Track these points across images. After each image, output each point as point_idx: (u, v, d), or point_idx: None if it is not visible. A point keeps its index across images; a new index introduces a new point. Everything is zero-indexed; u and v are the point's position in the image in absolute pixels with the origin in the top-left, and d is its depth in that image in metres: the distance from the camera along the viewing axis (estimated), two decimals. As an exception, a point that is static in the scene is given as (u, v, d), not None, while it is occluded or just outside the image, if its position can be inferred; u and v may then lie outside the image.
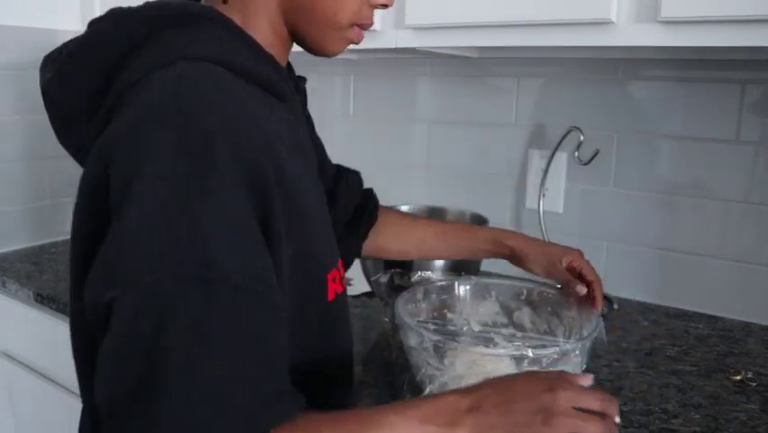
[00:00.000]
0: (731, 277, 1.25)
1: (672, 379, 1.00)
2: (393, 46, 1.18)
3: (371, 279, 1.12)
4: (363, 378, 0.98)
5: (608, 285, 1.37)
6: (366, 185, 1.02)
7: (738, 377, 1.00)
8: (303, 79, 0.77)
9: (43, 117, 0.67)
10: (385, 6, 0.71)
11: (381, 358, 1.05)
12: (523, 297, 0.98)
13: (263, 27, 0.66)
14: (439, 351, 0.79)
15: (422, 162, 1.61)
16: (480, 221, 1.29)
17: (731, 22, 0.86)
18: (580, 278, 0.92)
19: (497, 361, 0.78)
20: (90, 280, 0.53)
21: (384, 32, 1.18)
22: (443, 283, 1.00)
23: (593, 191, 1.39)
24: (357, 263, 1.28)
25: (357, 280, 1.36)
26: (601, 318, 0.86)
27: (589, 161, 1.28)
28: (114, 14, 0.61)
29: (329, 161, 0.95)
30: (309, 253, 0.63)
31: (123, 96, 0.57)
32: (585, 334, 0.85)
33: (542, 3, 0.98)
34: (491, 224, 1.28)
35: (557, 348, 0.79)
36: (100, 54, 0.60)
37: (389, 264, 1.20)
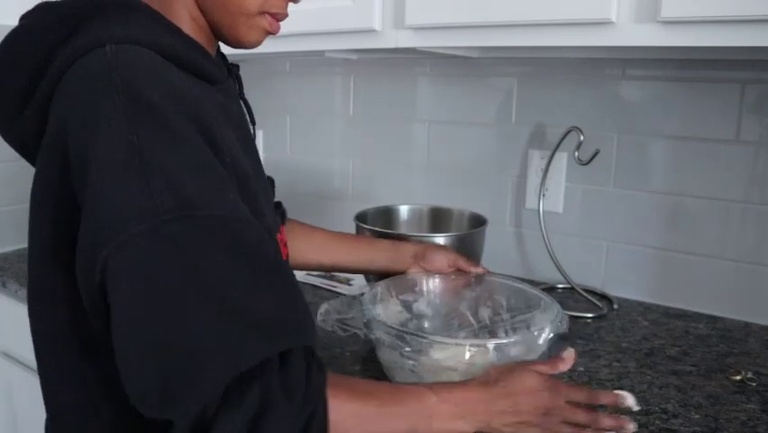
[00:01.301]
0: (731, 277, 1.25)
1: (671, 379, 1.00)
2: (393, 46, 1.17)
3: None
4: (362, 378, 0.98)
5: (607, 285, 1.38)
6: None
7: (738, 377, 1.00)
8: (236, 67, 0.79)
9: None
10: (294, 0, 0.72)
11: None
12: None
13: (183, 18, 0.69)
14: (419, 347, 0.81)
15: (422, 162, 1.61)
16: (479, 221, 1.29)
17: (731, 22, 0.86)
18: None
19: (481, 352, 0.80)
20: (78, 255, 0.54)
21: (384, 32, 1.18)
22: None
23: (593, 191, 1.39)
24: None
25: (357, 280, 1.36)
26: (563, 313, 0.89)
27: (589, 161, 1.28)
28: (41, 8, 0.64)
29: None
30: (259, 211, 0.65)
31: (59, 83, 0.59)
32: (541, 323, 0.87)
33: (542, 3, 0.98)
34: (491, 224, 1.28)
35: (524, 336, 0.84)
36: (29, 48, 0.62)
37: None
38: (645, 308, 1.31)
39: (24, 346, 1.58)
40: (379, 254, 1.04)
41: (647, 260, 1.34)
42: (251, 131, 0.80)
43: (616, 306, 1.31)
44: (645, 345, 1.13)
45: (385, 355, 0.88)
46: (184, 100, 0.57)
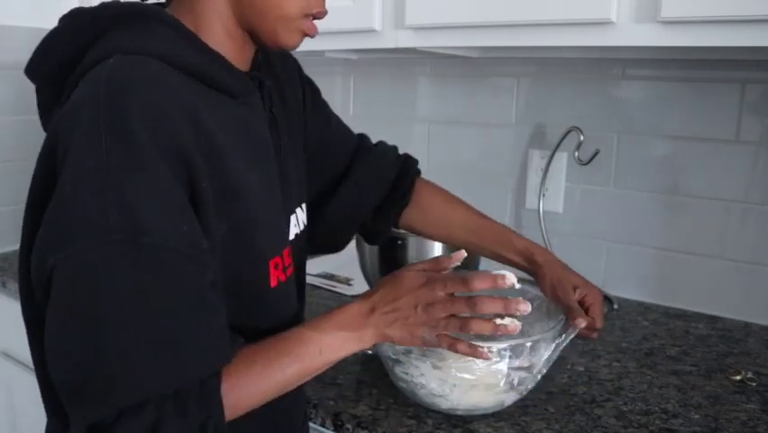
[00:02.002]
0: (731, 277, 1.25)
1: (671, 379, 1.00)
2: (393, 46, 1.17)
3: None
4: (362, 377, 0.98)
5: (608, 285, 1.38)
6: (411, 175, 1.02)
7: (738, 377, 1.00)
8: (269, 80, 0.77)
9: (43, 117, 0.67)
10: None
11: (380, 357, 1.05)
12: None
13: (215, 29, 0.68)
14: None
15: (422, 162, 1.60)
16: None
17: (731, 22, 0.86)
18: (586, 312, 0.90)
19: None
20: (35, 248, 0.58)
21: (384, 32, 1.18)
22: None
23: (593, 191, 1.39)
24: (356, 264, 1.28)
25: (357, 281, 1.37)
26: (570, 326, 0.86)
27: (589, 161, 1.28)
28: (73, 14, 0.66)
29: (343, 144, 0.98)
30: (248, 235, 0.67)
31: (74, 88, 0.62)
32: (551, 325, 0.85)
33: (542, 3, 0.98)
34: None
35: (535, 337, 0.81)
36: (62, 48, 0.65)
37: (387, 269, 1.21)
38: (645, 308, 1.31)
39: (24, 346, 1.58)
40: (514, 253, 0.97)
41: (647, 260, 1.34)
42: (280, 145, 0.78)
43: (616, 306, 1.31)
44: (645, 345, 1.13)
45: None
46: (164, 121, 0.58)
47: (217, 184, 0.62)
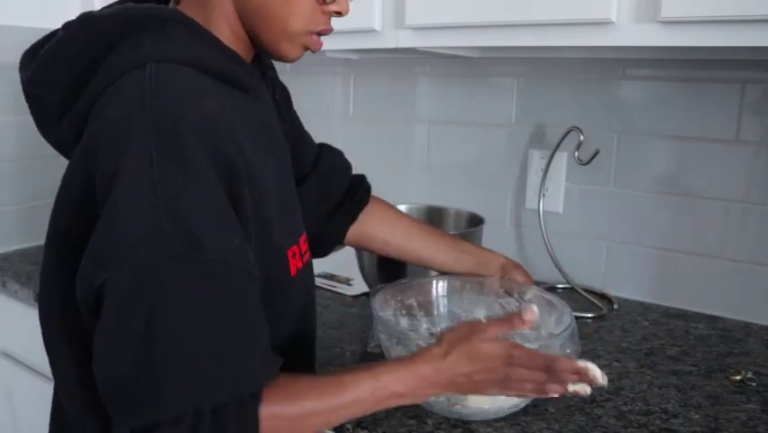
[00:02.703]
0: (731, 277, 1.25)
1: (671, 379, 1.00)
2: (393, 46, 1.17)
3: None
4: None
5: (607, 285, 1.38)
6: (366, 185, 1.02)
7: (738, 377, 1.00)
8: (272, 70, 0.79)
9: (42, 116, 0.67)
10: (339, 14, 0.72)
11: (380, 357, 1.04)
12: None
13: (222, 29, 0.69)
14: None
15: (422, 162, 1.61)
16: (476, 221, 1.29)
17: (731, 22, 0.86)
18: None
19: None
20: (82, 266, 0.58)
21: (384, 32, 1.18)
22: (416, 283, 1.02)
23: (593, 191, 1.39)
24: (356, 264, 1.28)
25: (357, 281, 1.37)
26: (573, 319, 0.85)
27: (589, 161, 1.28)
28: (85, 19, 0.65)
29: (308, 144, 0.99)
30: (268, 230, 0.67)
31: (100, 97, 0.61)
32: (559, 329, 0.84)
33: (542, 3, 0.98)
34: (490, 223, 1.28)
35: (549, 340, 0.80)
36: (73, 56, 0.64)
37: (385, 269, 1.21)
38: (645, 308, 1.31)
39: (25, 346, 1.59)
40: (465, 257, 1.01)
41: (647, 260, 1.34)
42: (284, 132, 0.80)
43: (616, 306, 1.31)
44: (645, 345, 1.13)
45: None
46: (211, 132, 0.59)
47: (249, 185, 0.63)
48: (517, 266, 1.03)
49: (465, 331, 0.70)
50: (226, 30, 0.69)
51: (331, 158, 1.00)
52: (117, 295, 0.55)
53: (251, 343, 0.59)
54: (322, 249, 1.01)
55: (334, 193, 0.99)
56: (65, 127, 0.66)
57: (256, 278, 0.61)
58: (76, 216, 0.61)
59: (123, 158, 0.56)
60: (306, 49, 0.72)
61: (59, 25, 0.67)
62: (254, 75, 0.71)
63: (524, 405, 0.85)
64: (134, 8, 0.64)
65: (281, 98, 0.90)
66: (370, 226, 1.02)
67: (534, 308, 0.72)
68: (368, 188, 1.03)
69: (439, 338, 0.71)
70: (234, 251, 0.58)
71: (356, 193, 1.00)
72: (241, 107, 0.68)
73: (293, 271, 0.72)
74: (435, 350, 0.69)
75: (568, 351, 0.79)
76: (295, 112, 0.97)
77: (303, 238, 0.76)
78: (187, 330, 0.55)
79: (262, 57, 0.79)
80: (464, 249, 1.03)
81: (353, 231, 1.01)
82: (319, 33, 0.71)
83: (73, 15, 0.67)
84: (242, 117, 0.66)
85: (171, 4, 0.71)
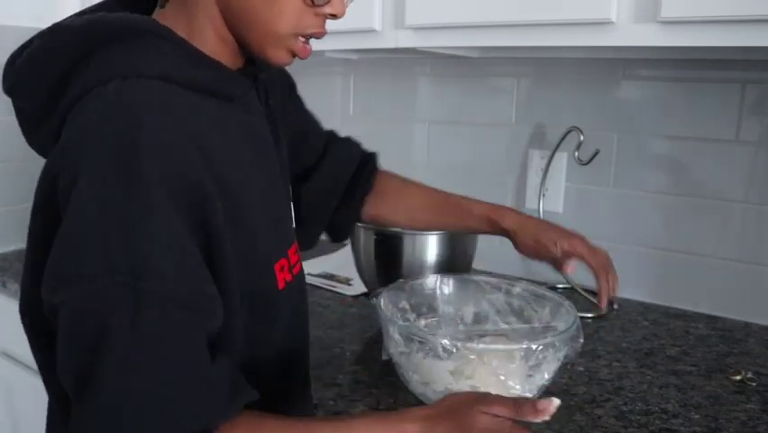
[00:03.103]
0: (731, 277, 1.25)
1: (671, 379, 1.00)
2: (393, 46, 1.17)
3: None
4: (361, 377, 0.98)
5: (607, 285, 1.38)
6: (370, 167, 1.02)
7: (738, 377, 1.00)
8: (263, 73, 0.75)
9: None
10: (335, 17, 0.68)
11: (380, 357, 1.04)
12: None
13: (207, 34, 0.66)
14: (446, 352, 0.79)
15: (422, 162, 1.61)
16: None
17: (731, 22, 0.86)
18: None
19: (506, 356, 0.78)
20: (43, 280, 0.57)
21: (384, 32, 1.18)
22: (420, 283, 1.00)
23: (593, 191, 1.39)
24: (353, 266, 1.28)
25: (357, 280, 1.36)
26: (578, 319, 0.82)
27: (589, 161, 1.28)
28: (56, 30, 0.63)
29: (316, 133, 0.98)
30: (251, 245, 0.65)
31: (71, 111, 0.60)
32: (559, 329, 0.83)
33: (542, 3, 0.98)
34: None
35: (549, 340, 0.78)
36: (46, 70, 0.62)
37: (382, 270, 1.21)
38: (645, 308, 1.31)
39: (24, 346, 1.58)
40: (476, 221, 0.98)
41: (647, 260, 1.34)
42: (278, 136, 0.78)
43: (616, 306, 1.31)
44: (645, 345, 1.13)
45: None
46: (170, 154, 0.57)
47: (225, 203, 0.61)
48: (542, 228, 0.94)
49: (468, 400, 0.63)
50: (211, 35, 0.66)
51: (339, 146, 0.99)
52: (67, 317, 0.55)
53: (195, 378, 0.57)
54: (335, 236, 1.02)
55: (341, 181, 0.98)
56: (43, 136, 0.65)
57: (210, 312, 0.59)
58: (42, 224, 0.61)
59: (79, 178, 0.55)
60: (294, 54, 0.68)
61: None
62: (240, 83, 0.68)
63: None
64: (106, 19, 0.62)
65: (280, 92, 0.87)
66: (376, 209, 1.01)
67: (556, 400, 0.63)
68: (371, 171, 1.01)
69: (438, 401, 0.65)
70: (184, 283, 0.56)
71: (359, 180, 0.99)
72: (225, 118, 0.66)
73: (281, 285, 0.70)
74: (427, 412, 0.63)
75: (566, 350, 0.79)
76: (299, 98, 0.95)
77: (293, 249, 0.74)
78: (124, 362, 0.54)
79: (256, 61, 0.76)
80: (475, 213, 0.99)
81: (365, 214, 1.01)
82: (311, 36, 0.68)
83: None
84: (225, 129, 0.65)
85: (157, 9, 0.68)
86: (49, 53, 0.62)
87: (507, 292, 0.97)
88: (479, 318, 0.97)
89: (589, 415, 0.88)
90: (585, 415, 0.88)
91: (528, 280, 1.00)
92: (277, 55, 0.67)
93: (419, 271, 1.19)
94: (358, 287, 1.37)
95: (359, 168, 1.00)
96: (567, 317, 0.84)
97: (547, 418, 0.62)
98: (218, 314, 0.60)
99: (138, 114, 0.57)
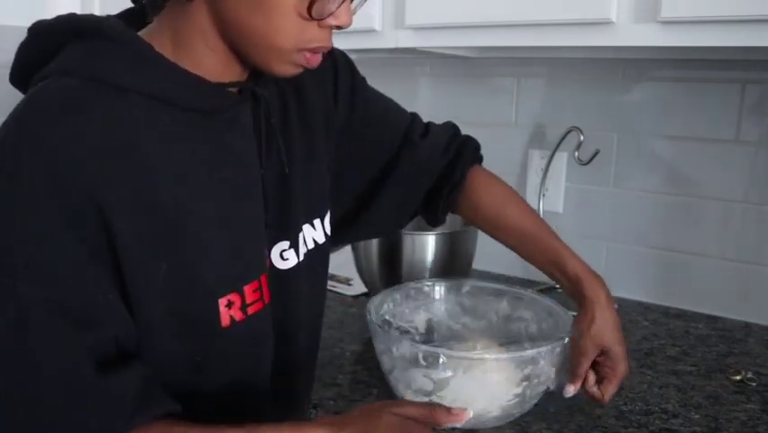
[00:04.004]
0: (731, 277, 1.25)
1: (671, 379, 1.00)
2: (393, 46, 1.18)
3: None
4: (361, 377, 0.98)
5: (608, 285, 1.37)
6: (458, 174, 0.91)
7: (738, 377, 1.00)
8: (263, 90, 0.69)
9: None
10: (340, 28, 0.63)
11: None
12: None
13: (195, 46, 0.62)
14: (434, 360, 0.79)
15: (422, 162, 1.61)
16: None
17: (731, 22, 0.86)
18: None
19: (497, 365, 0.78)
20: None
21: (384, 32, 1.18)
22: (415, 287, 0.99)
23: (593, 191, 1.39)
24: (353, 266, 1.28)
25: (357, 280, 1.37)
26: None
27: (589, 161, 1.28)
28: (34, 26, 0.62)
29: (389, 131, 0.89)
30: (189, 274, 0.61)
31: None
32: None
33: (542, 3, 0.98)
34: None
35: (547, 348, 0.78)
36: (28, 64, 0.62)
37: (383, 271, 1.21)
38: (645, 308, 1.31)
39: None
40: (563, 280, 0.86)
41: (647, 260, 1.34)
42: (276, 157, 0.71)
43: (616, 306, 1.31)
44: (645, 345, 1.13)
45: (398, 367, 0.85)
46: (69, 163, 0.54)
47: (150, 221, 0.58)
48: (601, 323, 0.81)
49: (382, 404, 0.62)
50: (200, 46, 0.62)
51: (416, 142, 0.89)
52: None
53: (70, 392, 0.54)
54: (429, 222, 0.94)
55: (426, 179, 0.89)
56: None
57: (93, 322, 0.56)
58: None
59: None
60: (301, 67, 0.64)
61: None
62: (221, 98, 0.64)
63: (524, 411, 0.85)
64: (78, 18, 0.61)
65: (343, 92, 0.83)
66: (466, 213, 0.92)
67: (470, 411, 0.64)
68: (462, 174, 0.90)
69: (354, 409, 0.63)
70: (62, 291, 0.54)
71: (449, 180, 0.89)
72: (184, 132, 0.62)
73: (224, 322, 0.63)
74: (338, 417, 0.61)
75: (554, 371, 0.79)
76: (367, 99, 0.89)
77: (253, 286, 0.66)
78: (6, 368, 0.54)
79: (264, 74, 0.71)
80: (560, 269, 0.86)
81: (457, 211, 0.92)
82: (315, 51, 0.63)
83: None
84: (179, 143, 0.61)
85: (150, 18, 0.65)
86: (29, 47, 0.62)
87: (457, 292, 0.97)
88: (430, 325, 0.96)
89: (589, 415, 0.88)
90: (585, 415, 0.88)
91: (529, 282, 1.00)
92: (282, 69, 0.64)
93: (419, 270, 1.19)
94: (358, 287, 1.37)
95: (445, 170, 0.90)
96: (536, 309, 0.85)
97: (458, 425, 0.62)
98: (113, 322, 0.57)
99: (42, 111, 0.55)
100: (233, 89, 0.66)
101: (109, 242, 0.56)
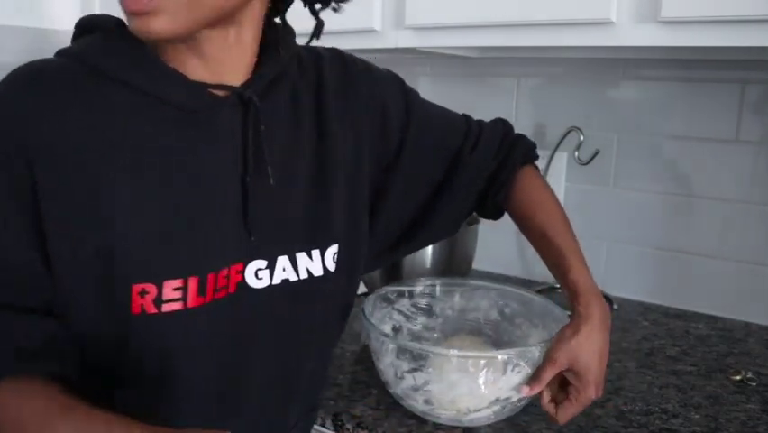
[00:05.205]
0: (731, 277, 1.25)
1: (671, 379, 1.00)
2: (393, 46, 1.18)
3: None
4: (362, 377, 0.98)
5: (608, 285, 1.38)
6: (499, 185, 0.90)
7: (738, 377, 1.00)
8: (254, 96, 0.66)
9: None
10: None
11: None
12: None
13: (177, 45, 0.63)
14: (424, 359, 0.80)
15: (422, 162, 1.61)
16: (471, 220, 1.28)
17: (731, 22, 0.86)
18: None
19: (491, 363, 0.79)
20: None
21: (384, 32, 1.18)
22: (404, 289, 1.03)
23: (593, 191, 1.39)
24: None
25: (357, 280, 1.36)
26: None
27: (589, 161, 1.28)
28: (77, 23, 0.67)
29: (449, 138, 0.89)
30: (111, 256, 0.60)
31: None
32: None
33: (542, 3, 0.98)
34: (491, 223, 1.27)
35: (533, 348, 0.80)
36: None
37: (385, 271, 1.21)
38: (645, 308, 1.31)
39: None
40: (564, 289, 0.81)
41: (647, 260, 1.34)
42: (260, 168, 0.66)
43: (616, 306, 1.31)
44: (645, 345, 1.13)
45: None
46: (15, 129, 0.58)
47: (77, 199, 0.59)
48: (580, 346, 0.75)
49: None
50: (181, 46, 0.63)
51: (468, 155, 0.88)
52: None
53: None
54: (486, 217, 0.95)
55: (478, 183, 0.89)
56: None
57: (7, 279, 0.59)
58: None
59: None
60: (129, 12, 0.58)
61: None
62: (198, 97, 0.63)
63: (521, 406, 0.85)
64: (90, 17, 0.66)
65: (383, 115, 0.81)
66: (510, 212, 0.91)
67: None
68: (507, 177, 0.89)
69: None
70: None
71: (495, 182, 0.89)
72: (149, 121, 0.62)
73: (135, 309, 0.61)
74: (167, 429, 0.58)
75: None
76: (418, 113, 0.88)
77: (174, 284, 0.63)
78: None
79: (284, 78, 0.70)
80: (566, 278, 0.81)
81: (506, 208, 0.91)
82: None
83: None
84: (135, 129, 0.61)
85: None
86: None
87: (410, 295, 1.02)
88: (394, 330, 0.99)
89: (589, 415, 0.88)
90: (585, 415, 0.88)
91: (529, 282, 1.00)
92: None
93: (420, 270, 1.20)
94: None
95: (495, 173, 0.90)
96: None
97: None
98: (33, 283, 0.60)
99: (8, 81, 0.60)
100: (221, 92, 0.65)
101: (34, 200, 0.58)
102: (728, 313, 1.27)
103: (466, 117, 0.93)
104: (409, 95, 0.88)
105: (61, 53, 0.63)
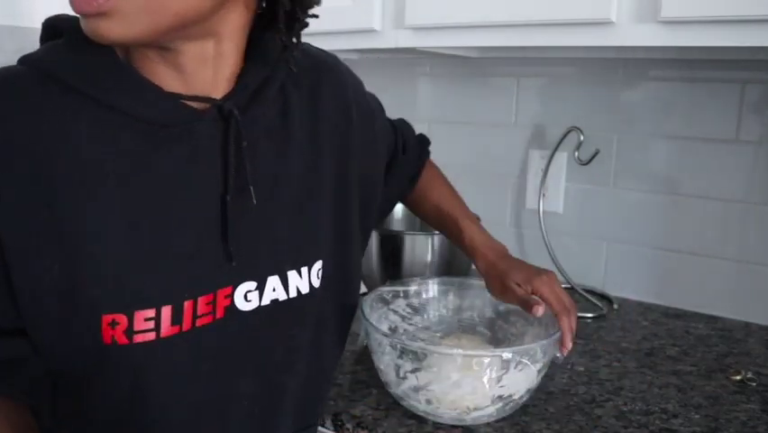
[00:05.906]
0: (731, 277, 1.25)
1: (672, 379, 1.00)
2: (393, 46, 1.17)
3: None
4: (362, 377, 0.98)
5: (608, 285, 1.38)
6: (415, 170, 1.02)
7: (738, 377, 1.00)
8: (234, 109, 0.62)
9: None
10: None
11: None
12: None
13: (148, 53, 0.59)
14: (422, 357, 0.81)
15: (422, 162, 1.61)
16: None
17: (731, 22, 0.85)
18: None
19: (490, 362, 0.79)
20: None
21: (384, 32, 1.18)
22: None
23: (593, 191, 1.39)
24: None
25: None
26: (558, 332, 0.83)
27: (589, 161, 1.28)
28: (43, 23, 0.63)
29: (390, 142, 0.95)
30: (80, 283, 0.57)
31: None
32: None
33: (542, 3, 0.98)
34: (490, 223, 1.28)
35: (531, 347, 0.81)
36: None
37: (383, 270, 1.21)
38: (645, 308, 1.31)
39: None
40: (464, 249, 0.97)
41: (647, 260, 1.34)
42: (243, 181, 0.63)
43: (616, 306, 1.31)
44: (645, 345, 1.13)
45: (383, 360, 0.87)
46: None
47: (41, 219, 0.55)
48: (535, 276, 0.88)
49: None
50: (154, 55, 0.59)
51: (396, 165, 0.97)
52: None
53: None
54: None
55: (404, 184, 1.00)
56: None
57: None
58: None
59: None
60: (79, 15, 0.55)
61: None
62: (171, 110, 0.59)
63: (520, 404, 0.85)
64: (56, 18, 0.61)
65: (357, 123, 0.78)
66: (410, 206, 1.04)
67: None
68: (419, 169, 1.03)
69: None
70: None
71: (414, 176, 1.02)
72: (119, 139, 0.57)
73: (105, 340, 0.58)
74: None
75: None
76: (380, 127, 0.89)
77: (146, 314, 0.59)
78: None
79: (264, 91, 0.65)
80: (463, 239, 0.97)
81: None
82: None
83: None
84: (106, 149, 0.57)
85: None
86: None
87: (405, 295, 1.03)
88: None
89: (589, 415, 0.88)
90: (585, 415, 0.88)
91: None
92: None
93: (420, 270, 1.20)
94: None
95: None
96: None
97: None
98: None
99: None
100: (200, 105, 0.61)
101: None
102: (728, 313, 1.27)
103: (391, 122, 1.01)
104: (383, 112, 0.94)
105: (23, 60, 0.58)
